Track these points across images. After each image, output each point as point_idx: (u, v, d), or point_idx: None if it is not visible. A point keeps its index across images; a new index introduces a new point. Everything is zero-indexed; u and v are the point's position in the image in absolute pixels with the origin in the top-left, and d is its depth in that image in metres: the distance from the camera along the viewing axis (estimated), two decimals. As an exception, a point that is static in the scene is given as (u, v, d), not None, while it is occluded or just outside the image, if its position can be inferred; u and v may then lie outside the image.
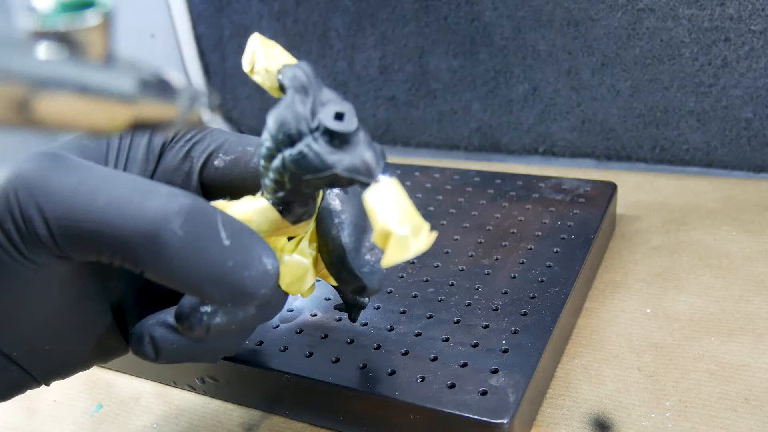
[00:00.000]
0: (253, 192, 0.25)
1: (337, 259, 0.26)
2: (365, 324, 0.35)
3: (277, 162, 0.23)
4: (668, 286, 0.40)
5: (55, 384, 0.39)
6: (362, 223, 0.27)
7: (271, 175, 0.23)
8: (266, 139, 0.23)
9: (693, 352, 0.35)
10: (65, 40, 0.12)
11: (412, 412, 0.30)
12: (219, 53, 0.71)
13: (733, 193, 0.49)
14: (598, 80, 0.54)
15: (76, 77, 0.12)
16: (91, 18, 0.12)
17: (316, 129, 0.22)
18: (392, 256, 0.21)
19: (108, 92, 0.13)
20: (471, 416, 0.29)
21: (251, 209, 0.24)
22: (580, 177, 0.46)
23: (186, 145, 0.28)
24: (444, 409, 0.29)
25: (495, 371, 0.31)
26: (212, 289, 0.22)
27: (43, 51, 0.12)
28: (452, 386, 0.30)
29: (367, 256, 0.26)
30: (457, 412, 0.29)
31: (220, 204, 0.24)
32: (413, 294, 0.37)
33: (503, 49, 0.57)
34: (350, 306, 0.31)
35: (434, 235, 0.21)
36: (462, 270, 0.38)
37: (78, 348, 0.26)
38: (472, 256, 0.39)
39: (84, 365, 0.27)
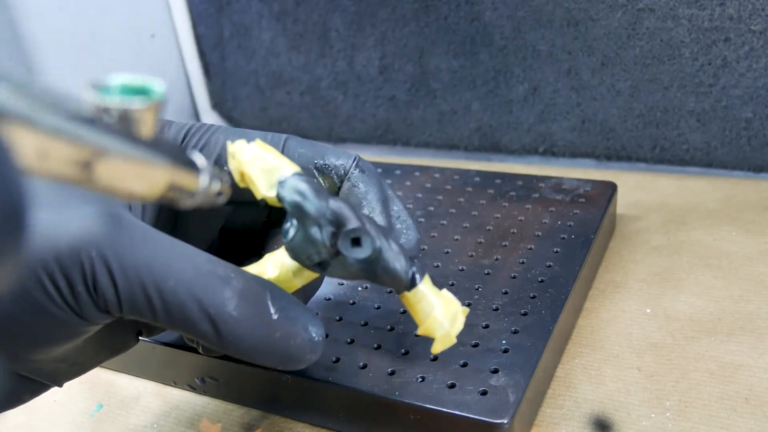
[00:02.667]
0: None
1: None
2: (365, 324, 0.35)
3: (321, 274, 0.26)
4: (668, 286, 0.40)
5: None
6: (383, 195, 0.29)
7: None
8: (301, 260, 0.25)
9: (693, 352, 0.35)
10: (124, 117, 0.15)
11: (412, 412, 0.30)
12: (219, 53, 0.71)
13: (733, 193, 0.49)
14: (598, 80, 0.54)
15: (129, 148, 0.15)
16: (145, 102, 0.15)
17: (337, 254, 0.24)
18: (440, 347, 0.26)
19: (152, 163, 0.16)
20: (471, 416, 0.29)
21: (291, 274, 0.27)
22: (580, 177, 0.46)
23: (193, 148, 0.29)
24: (444, 409, 0.29)
25: (495, 371, 0.31)
26: (262, 357, 0.25)
27: (106, 123, 0.15)
28: (452, 386, 0.30)
29: (398, 225, 0.29)
30: (457, 412, 0.29)
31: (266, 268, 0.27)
32: (413, 294, 0.37)
33: (503, 49, 0.57)
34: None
35: (467, 310, 0.27)
36: (462, 270, 0.38)
37: (95, 354, 0.27)
38: (472, 256, 0.39)
39: (97, 364, 0.28)
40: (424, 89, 0.61)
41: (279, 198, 0.24)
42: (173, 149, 0.18)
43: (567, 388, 0.34)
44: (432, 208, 0.45)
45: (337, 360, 0.33)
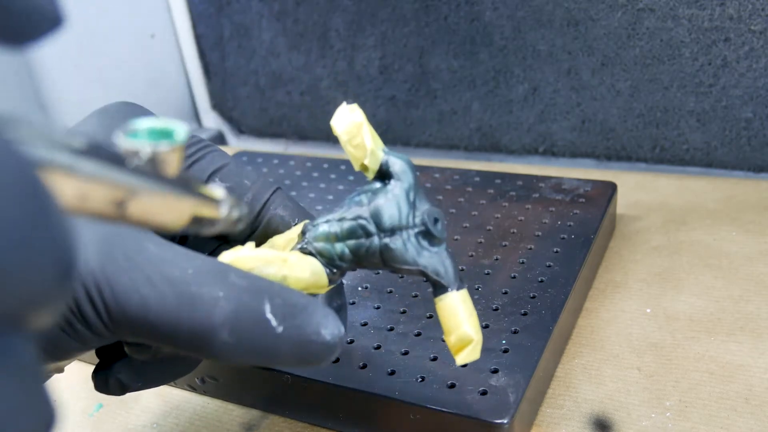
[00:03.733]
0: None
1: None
2: (365, 324, 0.35)
3: (371, 243, 0.25)
4: (668, 286, 0.40)
5: (56, 384, 0.39)
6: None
7: (349, 248, 0.25)
8: (365, 220, 0.25)
9: (693, 352, 0.35)
10: (152, 158, 0.17)
11: (412, 412, 0.30)
12: (219, 53, 0.71)
13: (733, 193, 0.49)
14: (598, 80, 0.54)
15: (157, 186, 0.17)
16: (171, 145, 0.17)
17: (414, 226, 0.25)
18: (467, 358, 0.25)
19: (178, 198, 0.18)
20: (471, 416, 0.29)
21: (308, 273, 0.25)
22: (580, 177, 0.46)
23: (186, 162, 0.29)
24: (444, 409, 0.29)
25: (495, 371, 0.31)
26: (275, 365, 0.23)
27: (136, 165, 0.16)
28: (452, 386, 0.30)
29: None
30: (457, 412, 0.29)
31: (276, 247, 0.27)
32: (413, 294, 0.37)
33: (503, 49, 0.57)
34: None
35: (481, 341, 0.26)
36: (462, 270, 0.38)
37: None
38: (472, 256, 0.39)
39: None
40: (424, 89, 0.61)
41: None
42: (196, 183, 0.19)
43: (567, 388, 0.34)
44: (432, 208, 0.45)
45: (338, 360, 0.33)
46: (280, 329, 0.22)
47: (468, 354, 0.25)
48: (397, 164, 0.26)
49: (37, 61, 0.59)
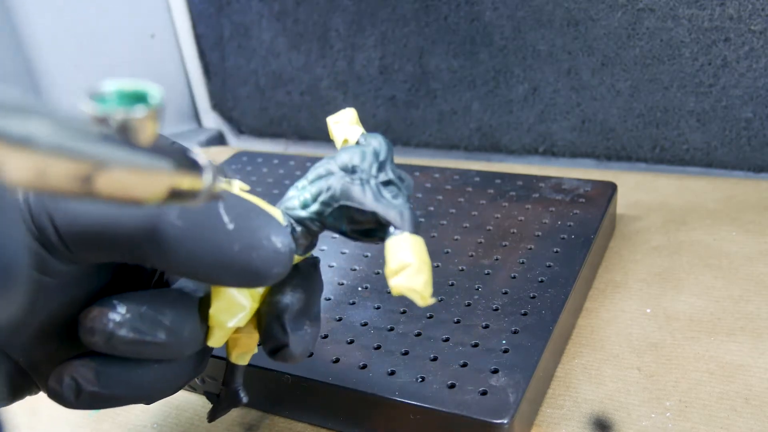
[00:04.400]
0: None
1: (277, 311, 0.25)
2: (365, 324, 0.35)
3: (331, 182, 0.24)
4: (668, 286, 0.40)
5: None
6: (313, 302, 0.27)
7: (311, 194, 0.25)
8: (328, 163, 0.25)
9: (693, 352, 0.35)
10: (123, 126, 0.15)
11: (412, 412, 0.30)
12: (219, 53, 0.71)
13: (733, 193, 0.49)
14: (598, 80, 0.54)
15: (129, 157, 0.15)
16: (144, 110, 0.15)
17: (376, 177, 0.25)
18: (404, 282, 0.22)
19: (153, 170, 0.16)
20: (471, 416, 0.29)
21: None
22: (580, 177, 0.46)
23: None
24: (444, 409, 0.29)
25: (495, 371, 0.31)
26: (222, 275, 0.22)
27: (105, 134, 0.14)
28: (452, 386, 0.30)
29: (306, 327, 0.26)
30: (457, 412, 0.29)
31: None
32: (413, 294, 0.37)
33: (503, 49, 0.57)
34: (222, 403, 0.29)
35: (433, 300, 0.23)
36: (462, 270, 0.38)
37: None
38: (472, 256, 0.39)
39: None
40: (424, 89, 0.61)
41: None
42: (174, 152, 0.17)
43: (567, 388, 0.34)
44: (432, 208, 0.45)
45: (337, 360, 0.33)
46: (231, 226, 0.22)
47: (406, 278, 0.22)
48: (373, 138, 0.26)
49: (37, 61, 0.59)
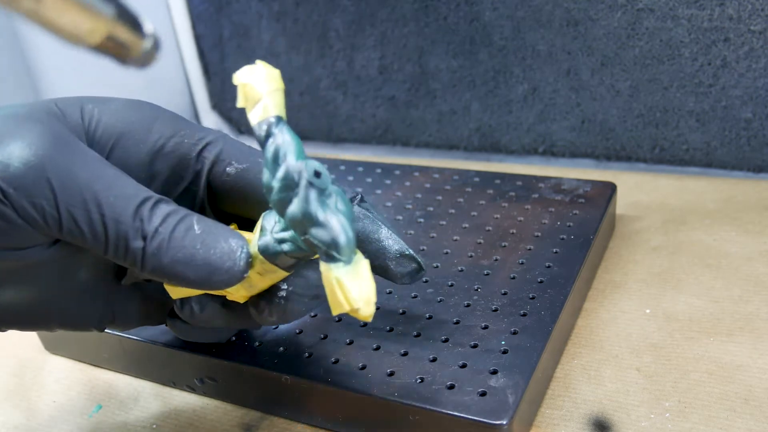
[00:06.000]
0: (257, 200, 0.29)
1: (395, 250, 0.31)
2: (364, 325, 0.35)
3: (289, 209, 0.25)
4: (667, 286, 0.40)
5: (55, 384, 0.39)
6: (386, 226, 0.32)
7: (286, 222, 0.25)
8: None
9: (692, 353, 0.35)
10: None
11: (411, 413, 0.30)
12: (219, 53, 0.71)
13: (733, 193, 0.49)
14: (598, 80, 0.54)
15: None
16: None
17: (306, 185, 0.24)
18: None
19: (95, 8, 0.18)
20: (470, 417, 0.29)
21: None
22: (579, 177, 0.46)
23: (199, 144, 0.30)
24: (443, 410, 0.29)
25: (494, 372, 0.31)
26: (182, 270, 0.26)
27: None
28: (451, 387, 0.30)
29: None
30: (457, 413, 0.29)
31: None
32: (413, 294, 0.37)
33: (503, 49, 0.57)
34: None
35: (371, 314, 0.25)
36: (461, 270, 0.38)
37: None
38: (471, 256, 0.39)
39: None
40: (423, 89, 0.61)
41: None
42: (122, 5, 0.19)
43: (566, 388, 0.34)
44: (431, 209, 0.45)
45: (337, 361, 0.33)
46: (198, 231, 0.26)
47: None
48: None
49: (37, 61, 0.59)
